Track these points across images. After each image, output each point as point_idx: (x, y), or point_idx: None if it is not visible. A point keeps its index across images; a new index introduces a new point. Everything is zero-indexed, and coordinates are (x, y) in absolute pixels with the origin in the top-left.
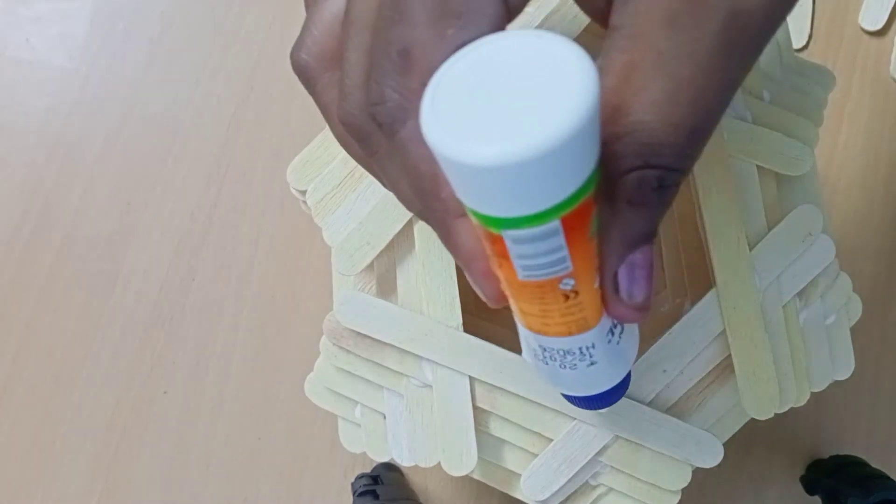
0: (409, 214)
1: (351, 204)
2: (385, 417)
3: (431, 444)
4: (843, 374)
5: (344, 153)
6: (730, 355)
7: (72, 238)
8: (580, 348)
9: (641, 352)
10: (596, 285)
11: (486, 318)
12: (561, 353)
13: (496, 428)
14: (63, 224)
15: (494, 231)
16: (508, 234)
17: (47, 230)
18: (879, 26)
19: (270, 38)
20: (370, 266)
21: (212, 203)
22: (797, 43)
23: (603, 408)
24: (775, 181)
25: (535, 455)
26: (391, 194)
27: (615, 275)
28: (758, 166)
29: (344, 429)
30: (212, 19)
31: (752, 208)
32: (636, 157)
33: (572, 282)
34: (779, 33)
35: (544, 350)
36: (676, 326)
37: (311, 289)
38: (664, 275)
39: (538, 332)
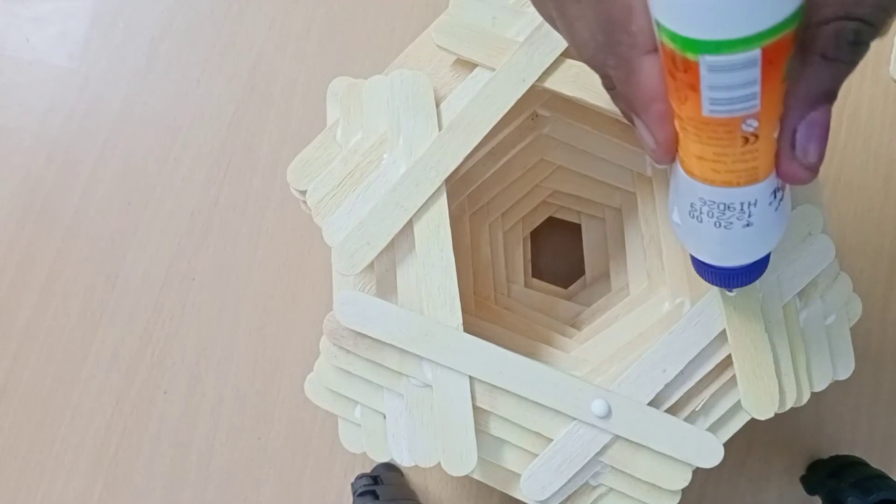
0: (410, 214)
1: (351, 204)
2: (385, 417)
3: (431, 444)
4: (844, 374)
5: (343, 153)
6: (730, 355)
7: (72, 238)
8: (742, 204)
9: (641, 351)
10: (775, 135)
11: (486, 318)
12: (721, 207)
13: (496, 428)
14: (63, 224)
15: (691, 57)
16: (706, 61)
17: (47, 230)
18: None
19: (270, 38)
20: (370, 266)
21: (212, 203)
22: None
23: (734, 286)
24: None
25: (535, 455)
26: (391, 194)
27: (794, 131)
28: None
29: (344, 429)
30: (212, 19)
31: None
32: (838, 6)
33: (756, 124)
34: None
35: (704, 203)
36: (676, 326)
37: (311, 289)
38: (664, 274)
39: (705, 179)
